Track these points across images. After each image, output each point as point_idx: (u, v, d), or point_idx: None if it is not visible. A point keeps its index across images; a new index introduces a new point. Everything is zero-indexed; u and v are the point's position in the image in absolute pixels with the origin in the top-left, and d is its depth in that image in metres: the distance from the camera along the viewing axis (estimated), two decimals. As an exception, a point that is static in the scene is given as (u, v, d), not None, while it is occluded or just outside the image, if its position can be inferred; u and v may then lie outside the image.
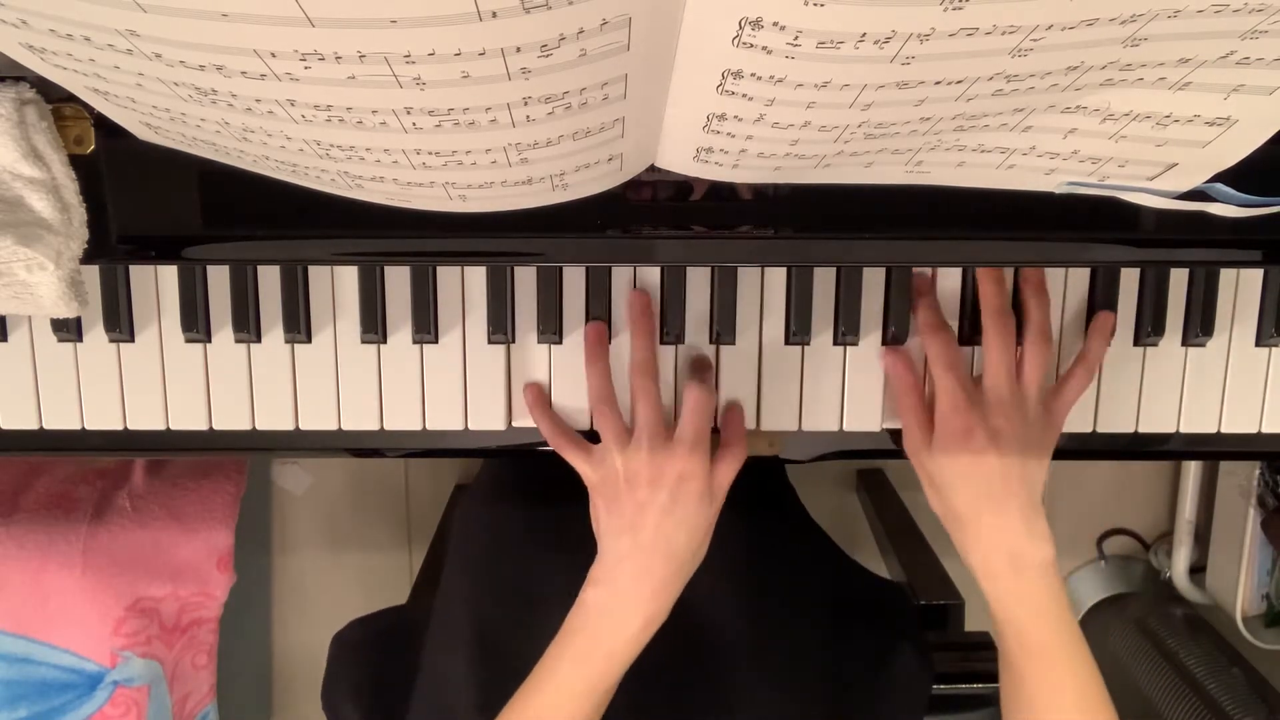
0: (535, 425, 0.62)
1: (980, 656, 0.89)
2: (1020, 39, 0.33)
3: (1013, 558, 0.56)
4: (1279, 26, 0.34)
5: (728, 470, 0.59)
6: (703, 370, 0.62)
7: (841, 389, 0.63)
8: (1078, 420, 0.63)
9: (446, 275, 0.61)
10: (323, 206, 0.47)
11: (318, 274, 0.61)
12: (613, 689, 0.57)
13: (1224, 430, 0.64)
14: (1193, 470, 1.42)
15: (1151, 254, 0.54)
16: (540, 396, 0.62)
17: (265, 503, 1.47)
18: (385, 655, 0.77)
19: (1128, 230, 0.52)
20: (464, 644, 0.71)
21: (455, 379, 0.62)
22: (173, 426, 0.62)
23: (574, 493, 0.60)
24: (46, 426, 0.62)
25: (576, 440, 0.61)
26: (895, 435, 0.63)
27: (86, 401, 0.62)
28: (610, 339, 0.62)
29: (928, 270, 0.62)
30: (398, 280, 0.61)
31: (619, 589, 0.56)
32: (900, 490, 1.40)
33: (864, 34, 0.32)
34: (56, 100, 0.48)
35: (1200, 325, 0.62)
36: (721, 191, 0.51)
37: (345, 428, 0.62)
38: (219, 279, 0.60)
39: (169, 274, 0.60)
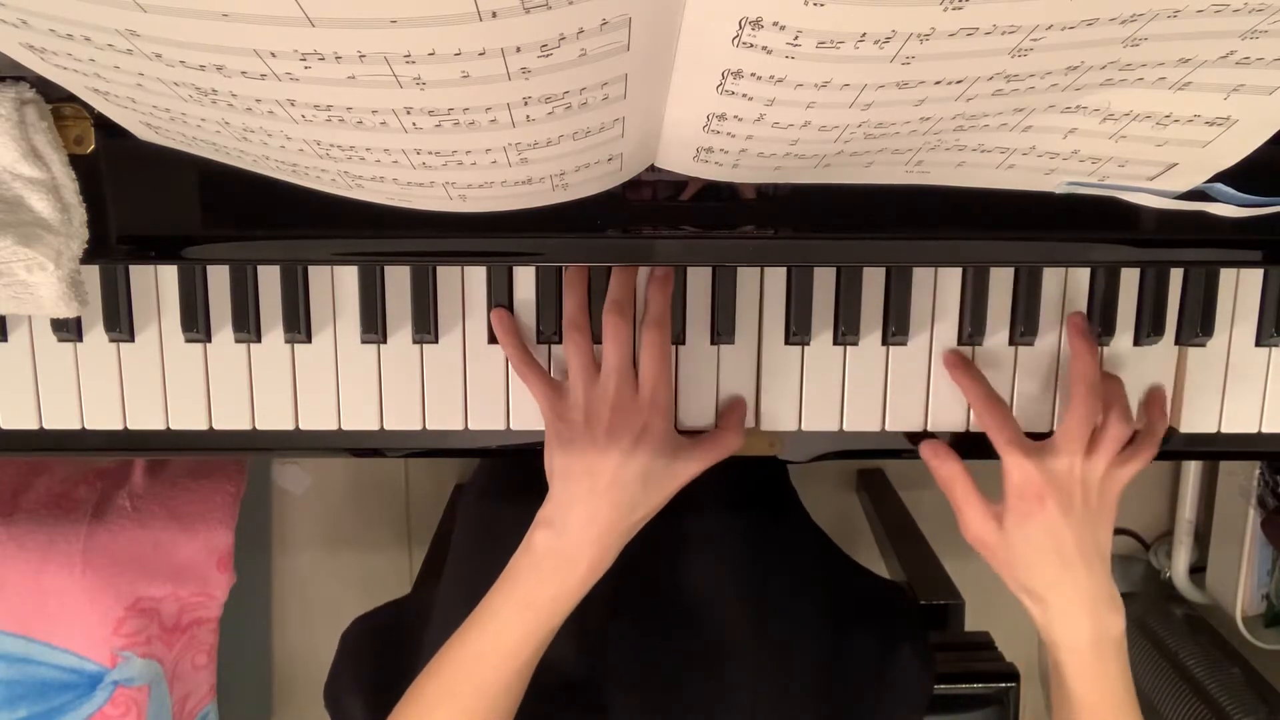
0: (505, 354, 0.61)
1: (980, 656, 0.89)
2: (1020, 39, 0.33)
3: (1095, 631, 0.56)
4: (1279, 26, 0.34)
5: (705, 455, 0.58)
6: (662, 286, 0.60)
7: (841, 389, 0.63)
8: (1078, 420, 0.63)
9: (446, 275, 0.61)
10: (323, 206, 0.47)
11: (318, 274, 0.61)
12: (553, 634, 0.56)
13: (1224, 430, 0.64)
14: (1193, 470, 1.42)
15: (1151, 254, 0.54)
16: (509, 322, 0.61)
17: (265, 503, 1.47)
18: (387, 650, 0.76)
19: (1128, 230, 0.52)
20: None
21: (455, 379, 0.62)
22: (173, 426, 0.62)
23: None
24: (46, 426, 0.62)
25: (542, 372, 0.60)
26: (896, 436, 0.63)
27: (86, 401, 0.62)
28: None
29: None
30: (398, 280, 0.61)
31: (569, 533, 0.56)
32: (900, 490, 1.40)
33: (864, 34, 0.32)
34: (56, 100, 0.48)
35: (1200, 325, 0.62)
36: (721, 191, 0.51)
37: (345, 428, 0.62)
38: (219, 279, 0.60)
39: (169, 274, 0.60)
